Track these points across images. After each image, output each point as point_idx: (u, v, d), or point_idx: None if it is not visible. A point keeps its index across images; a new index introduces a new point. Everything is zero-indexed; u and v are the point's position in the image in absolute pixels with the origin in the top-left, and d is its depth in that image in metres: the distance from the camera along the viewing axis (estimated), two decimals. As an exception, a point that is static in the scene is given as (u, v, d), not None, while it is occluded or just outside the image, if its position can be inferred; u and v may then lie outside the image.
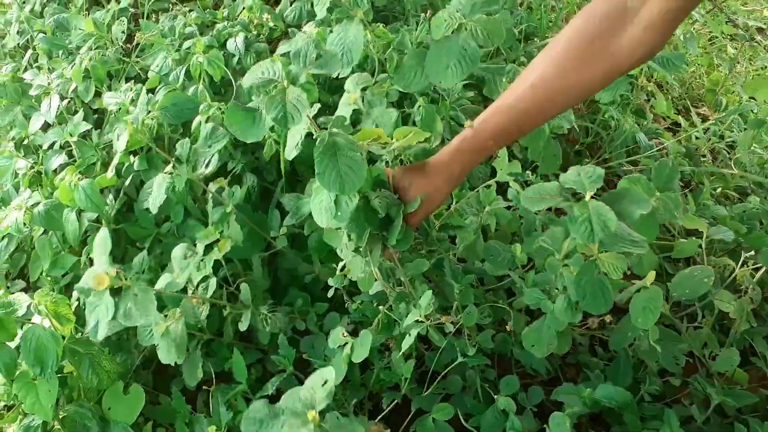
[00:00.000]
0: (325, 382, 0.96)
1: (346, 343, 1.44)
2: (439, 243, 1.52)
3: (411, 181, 1.33)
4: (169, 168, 1.64)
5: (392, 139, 1.27)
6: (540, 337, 1.47)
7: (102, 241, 1.41)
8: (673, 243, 1.84)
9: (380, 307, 1.52)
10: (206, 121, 1.78)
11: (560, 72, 1.14)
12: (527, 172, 1.49)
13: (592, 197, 1.17)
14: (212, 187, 1.72)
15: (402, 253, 1.44)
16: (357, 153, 1.19)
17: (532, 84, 1.17)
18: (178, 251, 1.59)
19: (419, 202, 1.29)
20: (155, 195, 1.65)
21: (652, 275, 1.39)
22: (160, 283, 1.52)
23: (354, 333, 1.74)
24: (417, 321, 1.35)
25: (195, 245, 1.61)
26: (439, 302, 1.44)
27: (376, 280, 1.47)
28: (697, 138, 2.49)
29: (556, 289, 1.43)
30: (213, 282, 1.57)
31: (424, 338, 1.42)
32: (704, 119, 2.78)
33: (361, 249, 1.38)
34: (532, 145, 1.78)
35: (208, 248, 1.62)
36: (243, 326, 1.64)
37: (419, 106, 1.81)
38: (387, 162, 1.43)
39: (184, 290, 1.59)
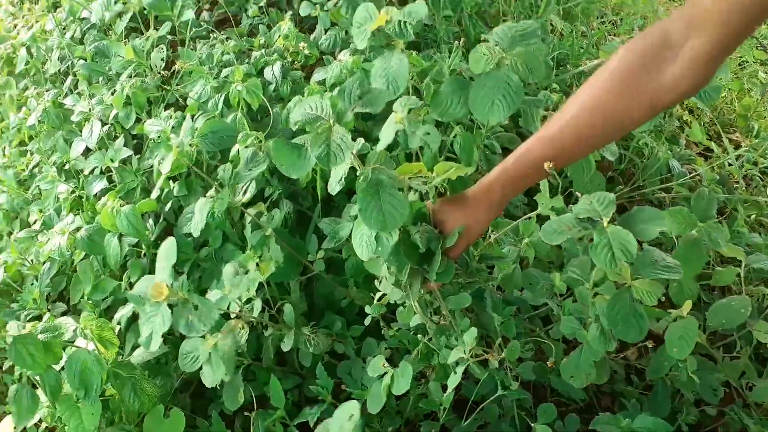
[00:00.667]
0: (351, 416, 0.98)
1: (386, 372, 1.45)
2: (478, 273, 1.53)
3: (449, 213, 1.34)
4: (210, 192, 1.67)
5: (432, 173, 1.28)
6: (578, 367, 1.47)
7: (167, 251, 1.41)
8: (711, 271, 1.84)
9: (419, 336, 1.53)
10: (245, 147, 1.82)
11: (602, 106, 1.15)
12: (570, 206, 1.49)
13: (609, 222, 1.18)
14: (251, 211, 1.75)
15: (442, 285, 1.45)
16: (399, 192, 1.20)
17: (574, 116, 1.18)
18: (229, 269, 1.60)
19: (457, 236, 1.30)
20: (197, 219, 1.68)
21: (688, 305, 1.39)
22: (211, 298, 1.54)
23: (391, 358, 1.76)
24: (461, 357, 1.35)
25: (237, 263, 1.64)
26: (479, 331, 1.45)
27: (415, 313, 1.48)
28: (730, 164, 2.48)
29: (590, 318, 1.43)
30: (258, 303, 1.59)
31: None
32: (736, 145, 2.77)
33: (401, 283, 1.39)
34: (577, 177, 1.78)
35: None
36: (286, 347, 1.66)
37: (455, 135, 1.82)
38: (423, 194, 1.44)
39: (225, 315, 1.61)
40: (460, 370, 1.35)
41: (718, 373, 1.60)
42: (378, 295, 1.55)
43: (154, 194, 1.90)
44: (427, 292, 1.45)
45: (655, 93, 1.10)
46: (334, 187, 1.33)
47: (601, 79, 1.15)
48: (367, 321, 1.65)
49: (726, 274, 1.79)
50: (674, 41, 1.05)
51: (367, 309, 1.61)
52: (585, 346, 1.45)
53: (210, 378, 1.51)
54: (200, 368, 1.54)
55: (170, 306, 1.33)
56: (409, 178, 1.27)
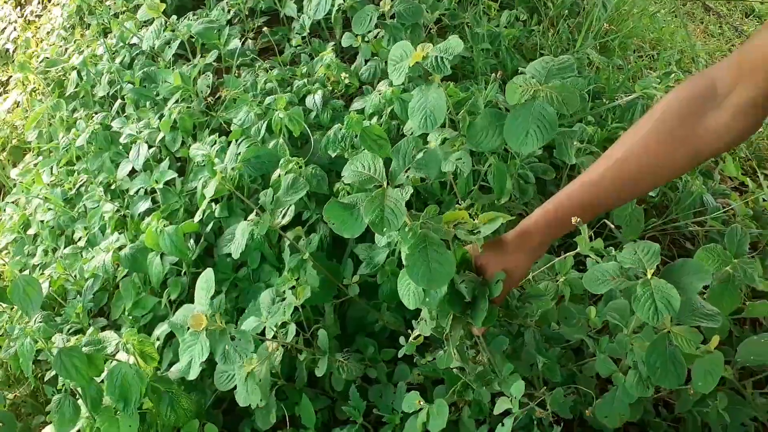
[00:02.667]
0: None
1: (421, 408, 1.45)
2: (520, 311, 1.53)
3: (491, 258, 1.34)
4: (252, 216, 1.73)
5: (474, 218, 1.29)
6: (612, 409, 1.47)
7: (205, 282, 1.46)
8: (743, 305, 1.83)
9: (456, 373, 1.53)
10: (286, 173, 1.88)
11: (647, 152, 1.14)
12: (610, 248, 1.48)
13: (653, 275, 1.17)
14: (290, 235, 1.80)
15: (487, 329, 1.47)
16: (447, 250, 1.20)
17: (619, 160, 1.17)
18: (266, 297, 1.66)
19: (501, 284, 1.29)
20: (238, 241, 1.73)
21: (715, 341, 1.37)
22: (247, 326, 1.58)
23: (422, 386, 1.79)
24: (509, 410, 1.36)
25: (274, 290, 1.68)
26: (518, 370, 1.46)
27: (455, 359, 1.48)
28: (764, 200, 2.47)
29: (629, 366, 1.42)
30: (293, 328, 1.63)
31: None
32: (773, 181, 2.76)
33: (442, 330, 1.39)
34: (619, 211, 1.81)
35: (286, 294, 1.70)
36: (320, 372, 1.69)
37: (490, 164, 1.86)
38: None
39: (261, 334, 1.65)
40: (508, 423, 1.35)
41: (747, 408, 1.59)
42: (414, 334, 1.55)
43: (197, 217, 1.96)
44: (468, 338, 1.45)
45: (701, 140, 1.09)
46: (381, 240, 1.36)
47: (646, 127, 1.14)
48: (401, 353, 1.65)
49: (759, 307, 1.78)
50: (721, 89, 1.05)
51: (402, 341, 1.62)
52: (621, 389, 1.45)
53: (244, 399, 1.55)
54: (234, 387, 1.59)
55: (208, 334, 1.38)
56: (454, 226, 1.28)
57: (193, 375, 1.39)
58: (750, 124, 1.05)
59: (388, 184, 1.20)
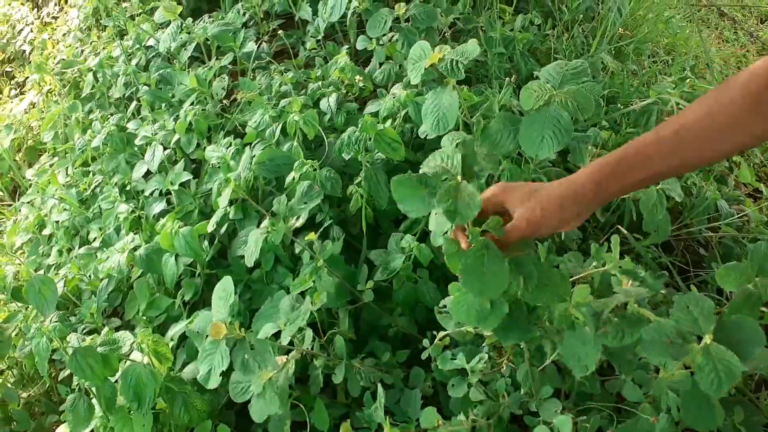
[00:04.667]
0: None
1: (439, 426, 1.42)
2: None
3: (515, 192, 1.21)
4: (265, 223, 1.73)
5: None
6: None
7: (224, 291, 1.45)
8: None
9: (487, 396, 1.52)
10: (300, 178, 1.88)
11: (727, 114, 1.08)
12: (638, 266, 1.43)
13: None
14: (302, 241, 1.79)
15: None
16: (504, 261, 1.17)
17: (697, 118, 1.10)
18: (286, 302, 1.64)
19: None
20: (251, 249, 1.73)
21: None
22: (265, 332, 1.56)
23: (434, 389, 1.78)
24: None
25: (294, 297, 1.66)
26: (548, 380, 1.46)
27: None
28: (779, 206, 2.47)
29: (664, 411, 1.36)
30: (309, 333, 1.62)
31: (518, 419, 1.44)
32: (787, 187, 2.75)
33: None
34: (650, 216, 1.78)
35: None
36: (338, 378, 1.68)
37: (503, 169, 1.86)
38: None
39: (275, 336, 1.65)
40: None
41: (759, 417, 1.58)
42: (441, 335, 1.54)
43: (211, 226, 1.96)
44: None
45: None
46: (437, 239, 1.35)
47: (729, 89, 1.09)
48: (425, 355, 1.63)
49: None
50: None
51: (426, 343, 1.60)
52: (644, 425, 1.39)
53: (259, 413, 1.51)
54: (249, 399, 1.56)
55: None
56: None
57: (212, 384, 1.39)
58: None
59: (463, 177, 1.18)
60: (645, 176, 1.14)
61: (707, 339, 1.10)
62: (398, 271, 1.84)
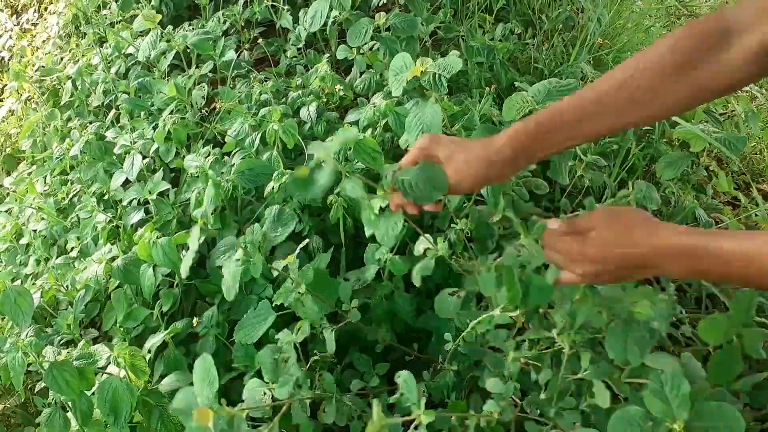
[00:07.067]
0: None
1: None
2: None
3: (443, 146, 1.18)
4: (239, 254, 1.66)
5: None
6: None
7: (204, 371, 1.29)
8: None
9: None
10: (279, 188, 1.87)
11: (649, 78, 1.06)
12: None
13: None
14: (279, 264, 1.72)
15: None
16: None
17: (618, 80, 1.08)
18: (266, 357, 1.52)
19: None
20: (229, 284, 1.66)
21: None
22: (251, 389, 1.48)
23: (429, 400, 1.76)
24: None
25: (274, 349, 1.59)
26: None
27: None
28: (757, 215, 2.48)
29: None
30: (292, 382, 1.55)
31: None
32: (765, 196, 2.77)
33: None
34: None
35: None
36: (328, 418, 1.61)
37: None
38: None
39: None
40: None
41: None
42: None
43: (194, 243, 1.90)
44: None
45: (708, 76, 1.04)
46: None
47: (653, 53, 1.07)
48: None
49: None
50: (736, 28, 1.01)
51: (447, 337, 1.58)
52: None
53: None
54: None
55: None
56: None
57: None
58: (760, 70, 1.01)
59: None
60: (563, 141, 1.12)
61: (678, 426, 1.07)
62: (375, 289, 1.83)
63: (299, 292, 1.60)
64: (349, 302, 1.77)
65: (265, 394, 1.46)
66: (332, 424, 1.72)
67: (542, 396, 1.41)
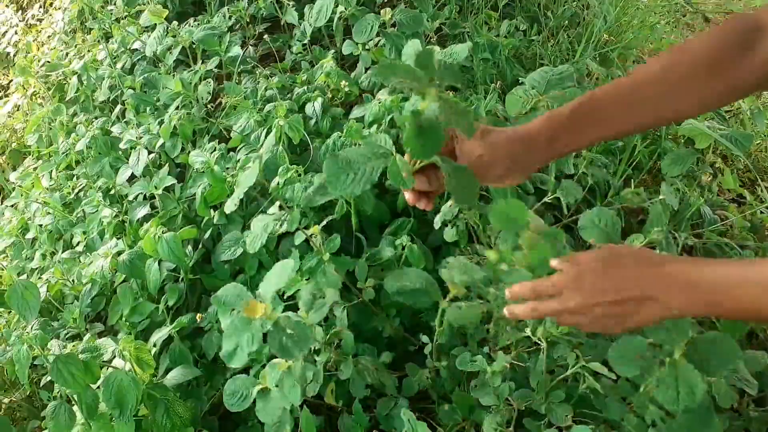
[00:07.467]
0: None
1: None
2: None
3: (467, 143, 1.06)
4: (274, 209, 1.68)
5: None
6: None
7: (281, 270, 1.31)
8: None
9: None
10: (285, 183, 1.87)
11: (690, 71, 1.04)
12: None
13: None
14: (308, 231, 1.74)
15: None
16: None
17: (658, 73, 1.05)
18: (306, 294, 1.54)
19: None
20: (257, 234, 1.66)
21: None
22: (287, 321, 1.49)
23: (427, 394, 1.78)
24: None
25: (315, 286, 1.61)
26: None
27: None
28: (762, 213, 2.48)
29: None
30: (320, 329, 1.58)
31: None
32: (771, 193, 2.77)
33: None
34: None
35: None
36: (345, 375, 1.63)
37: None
38: None
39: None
40: None
41: (740, 422, 1.59)
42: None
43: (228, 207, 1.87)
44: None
45: (738, 75, 1.03)
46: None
47: (688, 48, 1.06)
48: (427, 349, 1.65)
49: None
50: (764, 25, 1.01)
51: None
52: None
53: (271, 410, 1.44)
54: (249, 407, 1.51)
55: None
56: None
57: (237, 363, 1.26)
58: None
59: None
60: (598, 132, 1.07)
61: (677, 354, 1.09)
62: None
63: (322, 260, 1.61)
64: (364, 281, 1.77)
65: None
66: (341, 403, 1.73)
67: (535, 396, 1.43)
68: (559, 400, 1.41)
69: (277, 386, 1.43)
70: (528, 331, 1.35)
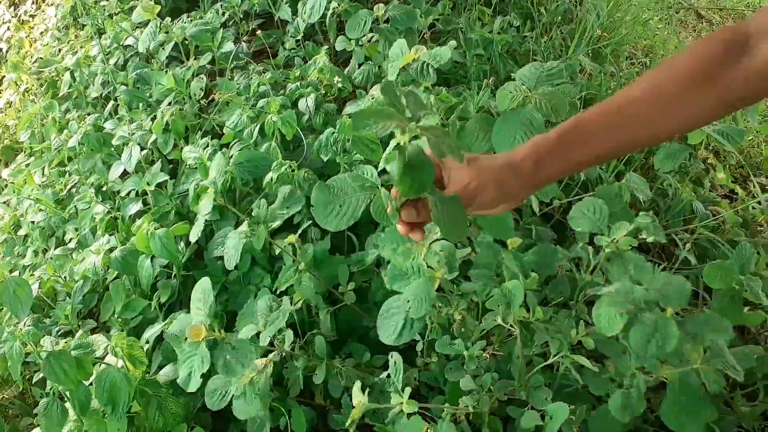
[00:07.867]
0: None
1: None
2: None
3: (457, 169, 1.06)
4: (243, 227, 1.71)
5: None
6: (606, 424, 1.42)
7: (202, 293, 1.41)
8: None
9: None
10: (278, 179, 1.87)
11: (680, 86, 1.02)
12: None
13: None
14: (281, 242, 1.77)
15: None
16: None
17: (647, 90, 1.04)
18: (262, 304, 1.59)
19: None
20: (231, 253, 1.71)
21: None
22: (244, 334, 1.53)
23: (419, 391, 1.78)
24: None
25: (271, 297, 1.64)
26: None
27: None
28: (754, 208, 2.49)
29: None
30: (290, 334, 1.61)
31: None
32: (763, 189, 2.78)
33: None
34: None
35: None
36: (318, 379, 1.66)
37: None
38: None
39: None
40: None
41: (732, 417, 1.60)
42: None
43: (194, 236, 1.91)
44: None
45: (731, 87, 1.00)
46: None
47: (682, 62, 1.04)
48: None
49: (752, 317, 1.78)
50: (757, 35, 0.99)
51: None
52: (615, 406, 1.37)
53: (243, 412, 1.50)
54: (227, 405, 1.55)
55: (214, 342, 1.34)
56: None
57: (193, 387, 1.35)
58: None
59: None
60: (587, 155, 1.06)
61: (668, 312, 1.12)
62: (377, 272, 1.84)
63: (299, 270, 1.62)
64: (346, 284, 1.78)
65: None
66: (326, 395, 1.74)
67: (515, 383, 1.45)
68: (537, 384, 1.42)
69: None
70: (499, 319, 1.36)
